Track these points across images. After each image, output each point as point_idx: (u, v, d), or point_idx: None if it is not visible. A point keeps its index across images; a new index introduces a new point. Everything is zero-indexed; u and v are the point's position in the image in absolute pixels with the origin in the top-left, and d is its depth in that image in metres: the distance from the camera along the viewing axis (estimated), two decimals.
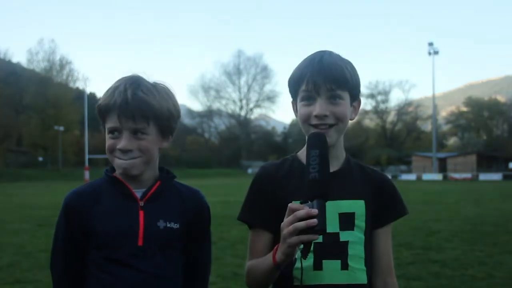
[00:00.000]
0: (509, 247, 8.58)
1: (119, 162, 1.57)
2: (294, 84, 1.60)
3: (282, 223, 1.34)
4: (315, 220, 1.27)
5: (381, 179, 1.69)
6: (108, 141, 1.58)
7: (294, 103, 1.64)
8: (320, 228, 1.28)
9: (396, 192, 1.70)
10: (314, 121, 1.54)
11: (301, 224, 1.28)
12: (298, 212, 1.29)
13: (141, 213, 1.58)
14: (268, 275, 1.48)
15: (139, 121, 1.55)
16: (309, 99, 1.56)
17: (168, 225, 1.60)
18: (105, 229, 1.55)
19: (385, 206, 1.65)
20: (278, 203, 1.57)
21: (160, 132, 1.61)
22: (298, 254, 1.40)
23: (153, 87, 1.60)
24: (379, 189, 1.65)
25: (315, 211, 1.28)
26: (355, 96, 1.61)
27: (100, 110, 1.58)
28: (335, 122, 1.55)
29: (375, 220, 1.63)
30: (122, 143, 1.55)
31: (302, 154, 1.67)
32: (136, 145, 1.55)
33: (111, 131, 1.56)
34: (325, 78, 1.53)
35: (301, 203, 1.33)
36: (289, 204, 1.33)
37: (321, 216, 1.29)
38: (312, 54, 1.61)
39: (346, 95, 1.57)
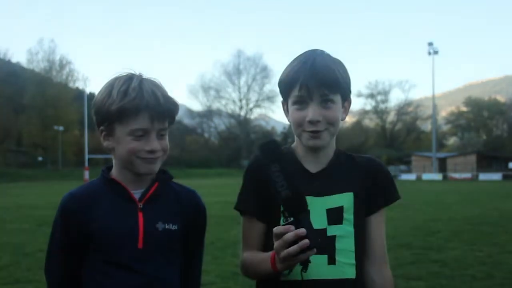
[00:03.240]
0: (509, 247, 8.58)
1: (144, 165, 1.54)
2: (286, 87, 1.59)
3: (274, 247, 1.34)
4: (307, 241, 1.26)
5: (369, 165, 1.67)
6: (132, 143, 1.52)
7: (285, 103, 1.65)
8: (314, 246, 1.27)
9: (386, 177, 1.68)
10: (308, 128, 1.55)
11: (294, 249, 1.28)
12: (286, 237, 1.29)
13: (140, 215, 1.56)
14: (267, 275, 1.51)
15: (166, 121, 1.57)
16: (302, 103, 1.56)
17: (167, 226, 1.58)
18: (105, 232, 1.53)
19: (374, 192, 1.64)
20: (270, 192, 1.58)
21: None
22: None
23: (161, 85, 1.61)
24: (367, 176, 1.64)
25: (302, 231, 1.27)
26: (346, 97, 1.61)
27: (124, 111, 1.51)
28: (327, 126, 1.56)
29: (366, 208, 1.62)
30: (153, 145, 1.53)
31: (295, 145, 1.67)
32: (160, 145, 1.56)
33: (138, 133, 1.52)
34: (318, 83, 1.52)
35: (284, 221, 1.32)
36: (274, 229, 1.33)
37: (311, 232, 1.27)
38: (303, 55, 1.60)
39: (337, 98, 1.57)
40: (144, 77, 1.58)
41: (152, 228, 1.56)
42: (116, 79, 1.58)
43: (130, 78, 1.56)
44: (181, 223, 1.61)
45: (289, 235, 1.28)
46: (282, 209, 1.35)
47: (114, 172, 1.62)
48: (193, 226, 1.66)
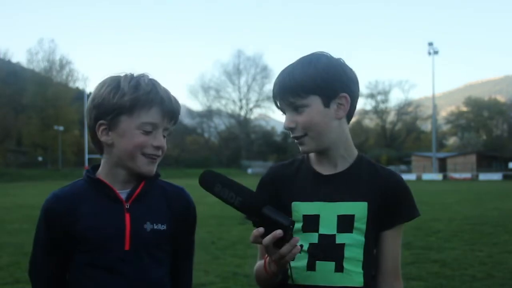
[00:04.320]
0: (509, 247, 8.58)
1: (147, 164, 1.52)
2: None
3: (273, 257, 1.40)
4: (280, 231, 1.31)
5: (390, 179, 1.61)
6: (140, 137, 1.50)
7: None
8: (287, 226, 1.32)
9: (406, 193, 1.62)
10: (291, 135, 1.58)
11: (285, 250, 1.34)
12: (283, 252, 1.34)
13: (127, 216, 1.51)
14: (270, 282, 1.52)
15: (172, 121, 1.57)
16: (283, 113, 1.59)
17: (155, 227, 1.53)
18: (90, 234, 1.49)
19: (393, 207, 1.58)
20: (281, 204, 1.58)
21: None
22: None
23: None
24: (387, 190, 1.59)
25: (296, 240, 1.34)
26: (330, 95, 1.52)
27: (137, 103, 1.49)
28: (304, 132, 1.54)
29: (382, 222, 1.58)
30: (161, 141, 1.52)
31: (311, 155, 1.66)
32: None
33: (147, 127, 1.50)
34: (282, 93, 1.55)
35: (255, 225, 1.37)
36: (263, 242, 1.35)
37: (279, 217, 1.33)
38: None
39: (311, 100, 1.52)
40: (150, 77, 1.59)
41: (140, 229, 1.51)
42: (120, 76, 1.55)
43: (137, 75, 1.56)
44: (170, 222, 1.57)
45: (266, 241, 1.33)
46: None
47: (102, 172, 1.58)
48: (183, 224, 1.62)
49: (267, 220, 1.32)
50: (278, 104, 1.59)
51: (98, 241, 1.49)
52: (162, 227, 1.55)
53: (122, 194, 1.54)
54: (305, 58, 1.58)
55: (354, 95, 1.57)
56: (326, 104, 1.53)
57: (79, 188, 1.57)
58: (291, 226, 1.32)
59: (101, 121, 1.53)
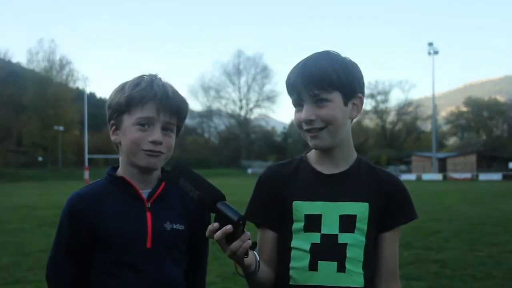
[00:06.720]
0: (509, 247, 8.59)
1: (146, 157, 1.55)
2: (287, 92, 1.60)
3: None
4: (229, 227, 1.31)
5: (390, 181, 1.63)
6: (136, 133, 1.54)
7: None
8: (236, 221, 1.31)
9: (405, 196, 1.63)
10: (305, 127, 1.54)
11: (235, 245, 1.33)
12: (216, 237, 1.33)
13: (149, 215, 1.56)
14: (249, 281, 1.52)
15: (172, 117, 1.58)
16: (298, 105, 1.56)
17: (175, 226, 1.58)
18: (114, 232, 1.52)
19: (392, 209, 1.59)
20: (281, 203, 1.58)
21: (177, 133, 1.64)
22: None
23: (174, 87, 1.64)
24: (387, 192, 1.60)
25: (229, 228, 1.31)
26: (350, 94, 1.54)
27: (132, 100, 1.53)
28: (324, 125, 1.52)
29: (381, 223, 1.59)
30: (156, 135, 1.54)
31: (311, 155, 1.65)
32: (164, 141, 1.57)
33: (143, 122, 1.53)
34: (306, 83, 1.51)
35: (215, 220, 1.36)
36: (215, 237, 1.34)
37: (230, 213, 1.32)
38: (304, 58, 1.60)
39: (334, 96, 1.52)
40: (158, 77, 1.62)
41: (161, 228, 1.56)
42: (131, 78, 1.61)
43: (144, 76, 1.60)
44: (187, 223, 1.61)
45: (217, 235, 1.32)
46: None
47: (120, 171, 1.62)
48: (198, 226, 1.64)
49: (221, 215, 1.34)
50: (297, 95, 1.54)
51: (121, 239, 1.53)
52: (181, 227, 1.60)
53: (144, 193, 1.59)
54: (325, 54, 1.56)
55: (364, 97, 1.62)
56: (345, 102, 1.54)
57: (100, 187, 1.61)
58: (241, 222, 1.32)
59: (111, 121, 1.60)
